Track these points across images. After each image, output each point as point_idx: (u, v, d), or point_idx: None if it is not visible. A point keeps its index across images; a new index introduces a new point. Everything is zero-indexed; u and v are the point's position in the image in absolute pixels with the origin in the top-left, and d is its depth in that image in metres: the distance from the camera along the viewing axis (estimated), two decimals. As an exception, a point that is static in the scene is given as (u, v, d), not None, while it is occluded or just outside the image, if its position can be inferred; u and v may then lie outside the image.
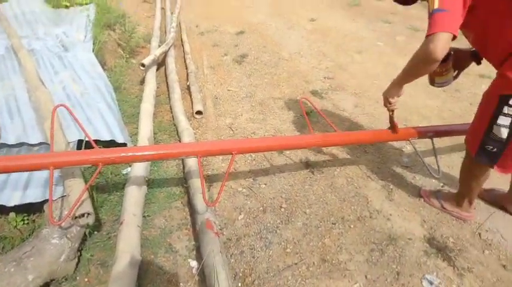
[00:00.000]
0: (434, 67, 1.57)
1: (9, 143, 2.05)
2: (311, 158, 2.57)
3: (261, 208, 2.11)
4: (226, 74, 3.95)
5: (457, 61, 1.95)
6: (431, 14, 1.45)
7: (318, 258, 1.78)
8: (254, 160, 2.56)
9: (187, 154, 1.73)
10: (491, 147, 1.69)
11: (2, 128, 2.14)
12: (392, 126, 2.10)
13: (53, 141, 1.70)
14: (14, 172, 1.59)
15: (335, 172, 2.43)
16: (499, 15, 1.50)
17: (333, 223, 2.00)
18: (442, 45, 1.44)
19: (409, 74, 1.75)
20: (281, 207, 2.12)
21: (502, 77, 1.58)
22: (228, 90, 3.61)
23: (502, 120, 1.60)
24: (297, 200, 2.17)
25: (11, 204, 1.73)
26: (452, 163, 2.57)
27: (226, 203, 2.15)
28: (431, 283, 1.65)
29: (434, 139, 2.21)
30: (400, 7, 6.67)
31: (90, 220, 1.62)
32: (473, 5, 1.50)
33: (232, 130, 2.92)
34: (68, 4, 4.74)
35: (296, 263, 1.75)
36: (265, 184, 2.32)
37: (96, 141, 2.31)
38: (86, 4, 4.75)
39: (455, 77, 2.06)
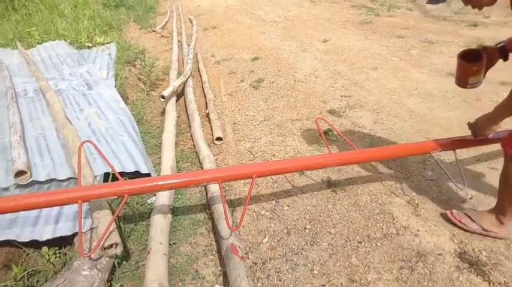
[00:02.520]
0: None
1: (40, 180, 2.15)
2: (333, 177, 2.56)
3: (285, 230, 2.11)
4: (244, 100, 4.03)
5: (486, 59, 1.90)
6: None
7: (345, 278, 1.75)
8: (276, 182, 2.57)
9: (209, 181, 1.77)
10: None
11: (33, 166, 2.24)
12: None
13: (80, 175, 1.78)
14: (44, 207, 1.66)
15: (358, 190, 2.41)
16: None
17: (359, 242, 1.97)
18: None
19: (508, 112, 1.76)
20: (305, 228, 2.11)
21: None
22: (246, 115, 3.68)
23: None
24: (320, 221, 2.16)
25: (44, 238, 1.81)
26: (478, 174, 2.51)
27: (250, 227, 2.16)
28: (466, 299, 1.59)
29: (459, 150, 2.17)
30: (411, 21, 6.73)
31: (119, 251, 1.66)
32: None
33: (252, 154, 2.96)
34: (90, 45, 5.00)
35: (324, 285, 1.72)
36: (288, 206, 2.32)
37: (122, 173, 2.41)
38: (108, 43, 5.00)
39: (484, 76, 2.00)
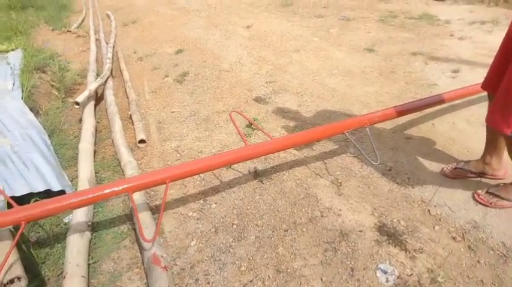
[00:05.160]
0: None
1: None
2: (259, 166, 2.54)
3: (213, 229, 2.06)
4: (169, 96, 3.88)
5: None
6: None
7: (272, 270, 1.75)
8: (204, 179, 2.51)
9: (118, 193, 1.66)
10: None
11: None
12: None
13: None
14: None
15: (284, 177, 2.42)
16: None
17: (285, 230, 1.98)
18: None
19: None
20: (233, 224, 2.07)
21: None
22: (172, 112, 3.55)
23: None
24: (248, 214, 2.14)
25: None
26: (396, 145, 2.62)
27: (177, 231, 2.08)
28: (385, 272, 1.65)
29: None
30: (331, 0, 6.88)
31: (23, 284, 1.51)
32: None
33: (179, 153, 2.86)
34: (-9, 53, 4.53)
35: (251, 281, 1.70)
36: (216, 203, 2.27)
37: (32, 195, 2.21)
38: (12, 50, 4.56)
39: None
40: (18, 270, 1.50)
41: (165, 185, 2.00)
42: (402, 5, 6.14)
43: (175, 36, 5.95)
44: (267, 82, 3.90)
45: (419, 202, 2.10)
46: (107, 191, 1.64)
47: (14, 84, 3.69)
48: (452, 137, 2.64)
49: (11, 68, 3.76)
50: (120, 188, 1.66)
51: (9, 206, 2.01)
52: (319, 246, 1.85)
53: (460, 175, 2.20)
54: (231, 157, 1.88)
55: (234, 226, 2.06)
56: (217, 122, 3.26)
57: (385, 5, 6.28)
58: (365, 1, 6.59)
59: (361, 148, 2.60)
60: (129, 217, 2.22)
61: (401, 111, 2.43)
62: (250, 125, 3.04)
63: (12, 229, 1.87)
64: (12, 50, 4.67)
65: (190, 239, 2.02)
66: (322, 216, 2.04)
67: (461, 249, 1.78)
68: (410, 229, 1.92)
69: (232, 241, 1.96)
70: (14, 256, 1.55)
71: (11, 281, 1.47)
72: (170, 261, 1.86)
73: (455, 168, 2.21)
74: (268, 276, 1.72)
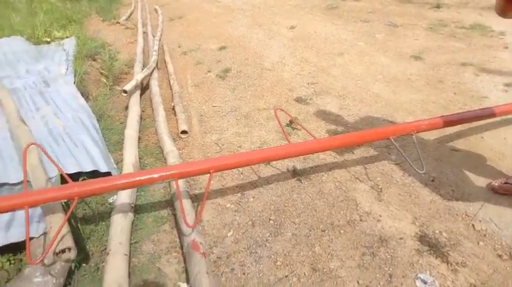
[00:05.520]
0: None
1: (-10, 184, 2.05)
2: (298, 166, 2.55)
3: (250, 222, 2.09)
4: (211, 91, 3.96)
5: None
6: None
7: (308, 268, 1.75)
8: (242, 173, 2.54)
9: (164, 179, 1.72)
10: None
11: (-16, 170, 2.13)
12: None
13: (25, 180, 1.68)
14: (-9, 214, 1.57)
15: (323, 178, 2.41)
16: None
17: (322, 230, 1.97)
18: None
19: None
20: (270, 219, 2.09)
21: None
22: (213, 106, 3.62)
23: None
24: (285, 211, 2.15)
25: (-6, 247, 1.72)
26: (441, 156, 2.55)
27: (215, 221, 2.13)
28: (425, 282, 1.61)
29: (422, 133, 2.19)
30: (377, 5, 6.76)
31: (72, 255, 1.59)
32: None
33: (219, 146, 2.91)
34: (48, 39, 4.79)
35: (287, 276, 1.72)
36: (254, 197, 2.30)
37: (80, 174, 2.33)
38: (67, 38, 4.80)
39: None
40: (69, 242, 1.59)
41: (207, 176, 2.06)
42: (453, 14, 5.94)
43: (219, 33, 6.04)
44: (308, 83, 3.89)
45: (463, 216, 2.03)
46: (156, 175, 1.71)
47: (67, 69, 3.89)
48: (502, 152, 2.53)
49: (66, 54, 3.95)
50: (168, 173, 1.72)
51: (63, 182, 2.13)
52: (357, 249, 1.83)
53: (510, 191, 2.11)
54: (275, 153, 1.90)
55: (271, 222, 2.08)
56: (257, 119, 3.29)
57: (434, 13, 6.10)
58: (413, 8, 6.42)
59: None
60: (169, 203, 2.29)
61: (450, 122, 2.36)
62: (290, 124, 3.05)
63: (63, 204, 1.97)
64: (67, 37, 4.91)
65: (227, 229, 2.06)
66: (361, 220, 2.02)
67: (508, 268, 1.71)
68: (452, 242, 1.86)
69: (268, 236, 1.97)
70: (66, 228, 1.64)
71: (62, 251, 1.56)
72: (207, 249, 1.90)
73: (506, 183, 2.13)
74: (304, 273, 1.72)
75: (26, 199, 1.53)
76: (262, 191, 2.35)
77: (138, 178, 1.69)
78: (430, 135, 2.74)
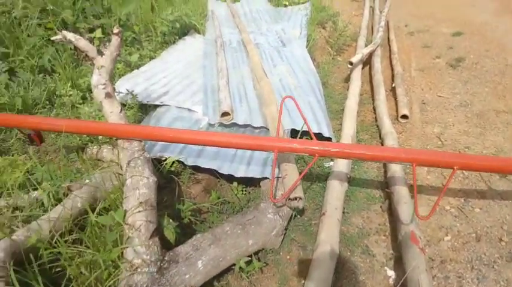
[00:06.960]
0: None
1: (239, 123, 2.40)
2: (547, 189, 2.10)
3: (474, 235, 1.85)
4: (437, 79, 3.61)
5: None
6: None
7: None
8: (467, 178, 2.26)
9: (401, 160, 1.65)
10: None
11: (234, 110, 2.51)
12: None
13: (279, 128, 1.89)
14: (245, 149, 1.84)
15: None
16: None
17: None
18: None
19: None
20: (501, 240, 1.81)
21: None
22: (439, 96, 3.29)
23: None
24: (523, 237, 1.81)
25: (238, 175, 2.03)
26: None
27: (430, 220, 1.97)
28: None
29: None
30: None
31: (300, 204, 1.74)
32: None
33: (441, 141, 2.65)
34: (287, 3, 5.20)
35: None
36: (480, 209, 2.02)
37: (304, 133, 2.49)
38: (304, 3, 5.10)
39: None
40: (301, 192, 1.73)
41: (430, 169, 1.90)
42: None
43: (455, 16, 5.38)
44: None
45: None
46: (393, 155, 1.66)
47: (301, 33, 4.16)
48: None
49: (302, 18, 4.21)
50: (407, 157, 1.64)
51: (301, 136, 2.28)
52: None
53: None
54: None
55: (503, 243, 1.79)
56: (493, 121, 2.83)
57: None
58: None
59: None
60: (382, 185, 2.24)
61: None
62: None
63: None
64: (302, 3, 5.22)
65: (443, 233, 1.89)
66: None
67: None
68: None
69: (498, 258, 1.71)
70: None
71: (294, 199, 1.72)
72: (423, 246, 1.79)
73: None
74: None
75: (277, 143, 1.72)
76: (492, 205, 2.04)
77: (377, 153, 1.68)
78: None
